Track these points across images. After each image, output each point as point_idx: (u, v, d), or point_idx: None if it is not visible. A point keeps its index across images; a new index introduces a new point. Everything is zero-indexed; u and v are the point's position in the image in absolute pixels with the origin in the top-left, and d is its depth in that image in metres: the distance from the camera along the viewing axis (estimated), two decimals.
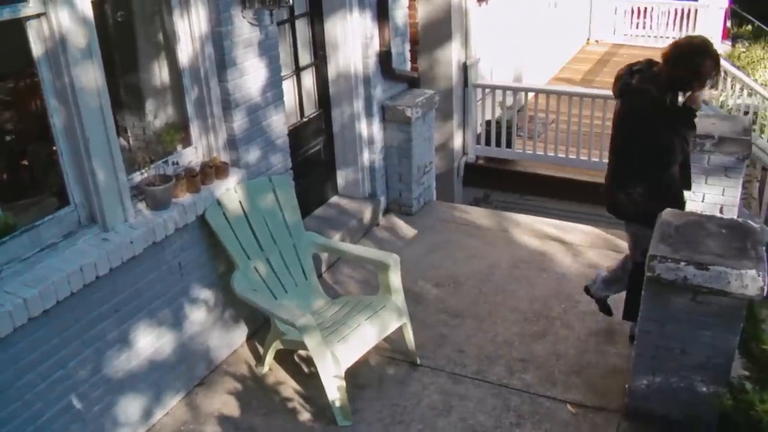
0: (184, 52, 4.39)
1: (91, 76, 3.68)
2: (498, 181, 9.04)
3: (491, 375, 4.60)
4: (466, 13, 8.39)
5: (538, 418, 4.25)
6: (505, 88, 8.86)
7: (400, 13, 6.51)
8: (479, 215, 6.93)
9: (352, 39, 6.02)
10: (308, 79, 6.08)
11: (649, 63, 4.35)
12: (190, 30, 4.35)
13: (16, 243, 3.58)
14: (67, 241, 3.77)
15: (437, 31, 8.14)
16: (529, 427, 4.19)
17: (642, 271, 3.86)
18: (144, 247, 3.97)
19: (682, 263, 3.57)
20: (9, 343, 3.37)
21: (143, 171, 4.18)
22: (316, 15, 5.96)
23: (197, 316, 4.51)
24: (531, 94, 9.32)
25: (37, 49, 3.57)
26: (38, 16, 3.49)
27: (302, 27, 5.91)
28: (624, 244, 6.06)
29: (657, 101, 4.16)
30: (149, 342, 4.19)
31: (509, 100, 8.83)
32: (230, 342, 4.87)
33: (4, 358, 3.37)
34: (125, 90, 4.59)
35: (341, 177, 6.56)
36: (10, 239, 3.57)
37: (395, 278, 4.58)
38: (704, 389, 3.84)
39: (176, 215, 4.16)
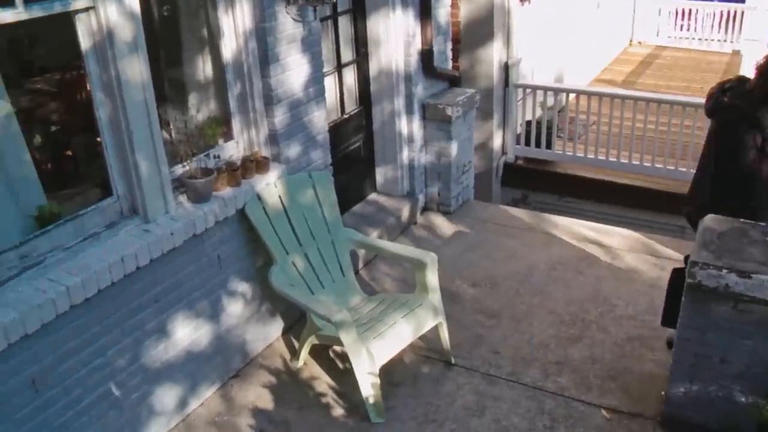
0: (228, 48, 4.43)
1: (136, 70, 3.72)
2: (537, 181, 8.98)
3: (526, 377, 4.58)
4: (509, 13, 8.34)
5: (571, 422, 4.22)
6: (546, 89, 8.80)
7: (442, 12, 6.50)
8: (517, 216, 6.90)
9: (395, 36, 6.02)
10: (350, 75, 6.10)
11: (741, 80, 4.22)
12: (234, 25, 4.38)
13: (60, 231, 3.65)
14: (110, 231, 3.82)
15: (479, 30, 8.11)
16: (563, 431, 4.16)
17: (682, 277, 3.81)
18: (184, 240, 4.01)
19: (724, 270, 3.53)
20: (51, 330, 3.43)
21: (185, 164, 4.23)
22: (359, 12, 5.97)
23: (234, 309, 4.55)
24: (572, 95, 9.25)
25: (85, 42, 3.62)
26: (87, 9, 3.54)
27: (345, 24, 5.92)
28: (664, 250, 6.03)
29: (749, 118, 4.02)
30: (187, 333, 4.24)
31: (550, 101, 8.77)
32: (266, 335, 4.90)
33: (46, 344, 3.44)
34: (169, 84, 4.64)
35: (380, 174, 6.57)
36: (55, 228, 3.64)
37: (432, 277, 4.57)
38: (743, 399, 3.79)
39: (217, 208, 4.19)
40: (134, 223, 3.91)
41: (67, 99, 6.30)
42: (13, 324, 3.23)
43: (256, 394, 4.52)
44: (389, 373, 4.46)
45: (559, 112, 8.95)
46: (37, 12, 3.33)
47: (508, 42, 8.48)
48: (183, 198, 4.18)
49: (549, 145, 8.75)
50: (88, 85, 6.31)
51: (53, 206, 3.75)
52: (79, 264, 3.59)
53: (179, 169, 4.22)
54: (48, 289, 3.41)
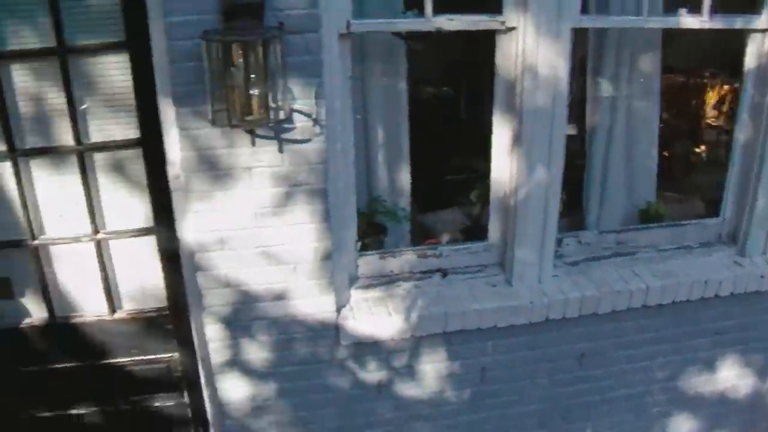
0: None
1: None
2: None
3: None
4: None
5: None
6: None
7: None
8: None
9: None
10: None
11: None
12: None
13: (658, 232, 3.77)
14: (702, 250, 3.81)
15: None
16: None
17: None
18: None
19: None
20: (617, 318, 3.59)
21: None
22: None
23: None
24: None
25: (750, 62, 3.57)
26: (765, 31, 3.47)
27: None
28: None
29: None
30: (729, 376, 4.07)
31: None
32: None
33: (608, 328, 3.62)
34: None
35: None
36: (656, 227, 3.75)
37: None
38: None
39: None
40: (728, 252, 3.83)
41: (679, 103, 6.38)
42: (590, 299, 3.46)
43: None
44: None
45: None
46: (717, 23, 3.37)
47: None
48: None
49: None
50: (705, 96, 6.31)
51: (660, 207, 3.87)
52: (664, 269, 3.66)
53: None
54: (630, 281, 3.54)
